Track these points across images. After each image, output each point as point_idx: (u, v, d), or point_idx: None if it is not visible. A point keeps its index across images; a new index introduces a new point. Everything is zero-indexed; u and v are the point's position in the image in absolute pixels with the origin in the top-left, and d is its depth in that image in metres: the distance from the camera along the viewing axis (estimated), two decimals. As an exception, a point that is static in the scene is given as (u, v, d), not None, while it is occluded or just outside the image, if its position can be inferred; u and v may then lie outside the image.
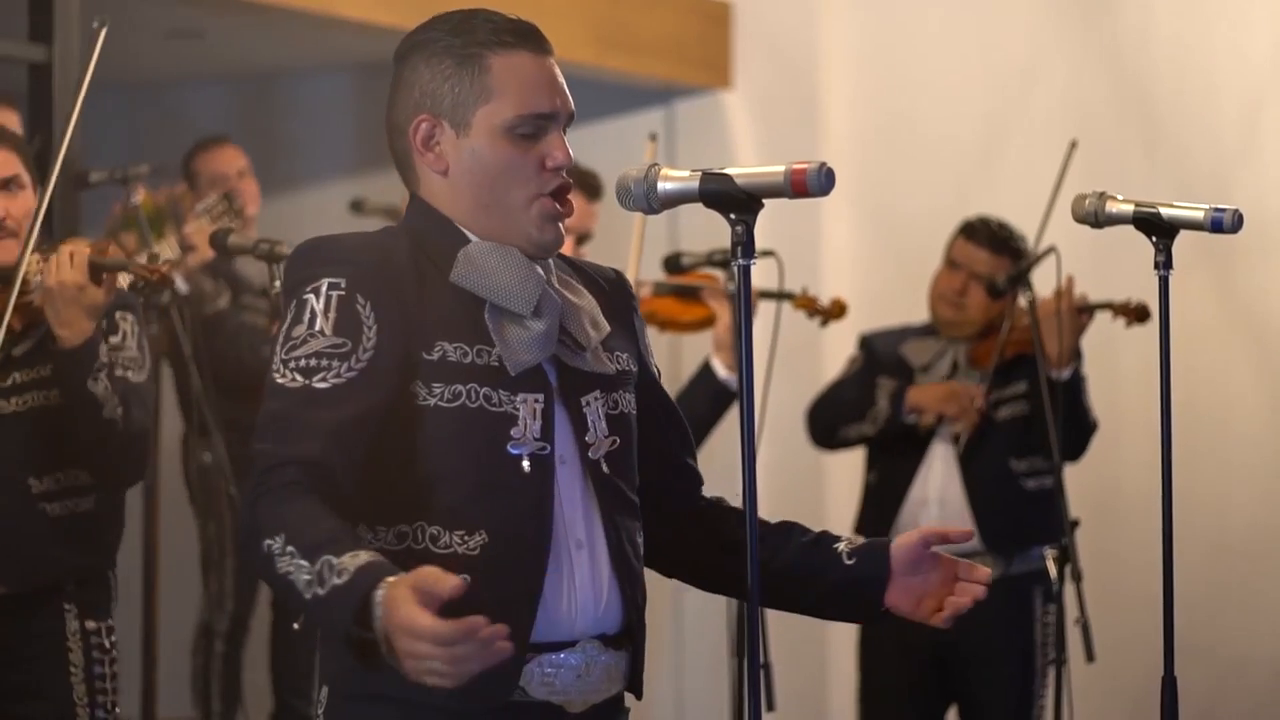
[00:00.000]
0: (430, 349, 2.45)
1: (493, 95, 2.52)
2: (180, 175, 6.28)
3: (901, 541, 2.62)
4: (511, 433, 2.47)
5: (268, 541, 2.31)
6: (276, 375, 2.42)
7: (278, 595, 2.40)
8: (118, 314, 3.82)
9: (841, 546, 2.65)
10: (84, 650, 3.80)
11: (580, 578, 2.50)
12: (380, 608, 2.22)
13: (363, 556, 2.26)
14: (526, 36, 2.55)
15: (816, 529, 2.69)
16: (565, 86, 2.57)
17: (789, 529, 2.70)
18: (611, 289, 2.68)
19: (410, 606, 2.19)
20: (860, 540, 2.67)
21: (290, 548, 2.30)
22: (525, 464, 2.47)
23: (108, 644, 3.82)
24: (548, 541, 2.47)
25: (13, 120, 5.02)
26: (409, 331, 2.45)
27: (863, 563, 2.62)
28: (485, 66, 2.52)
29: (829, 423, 5.28)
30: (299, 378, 2.41)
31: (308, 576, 2.27)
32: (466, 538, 2.44)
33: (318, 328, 2.43)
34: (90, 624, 3.81)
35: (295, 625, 3.72)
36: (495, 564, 2.44)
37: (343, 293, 2.45)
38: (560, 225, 2.56)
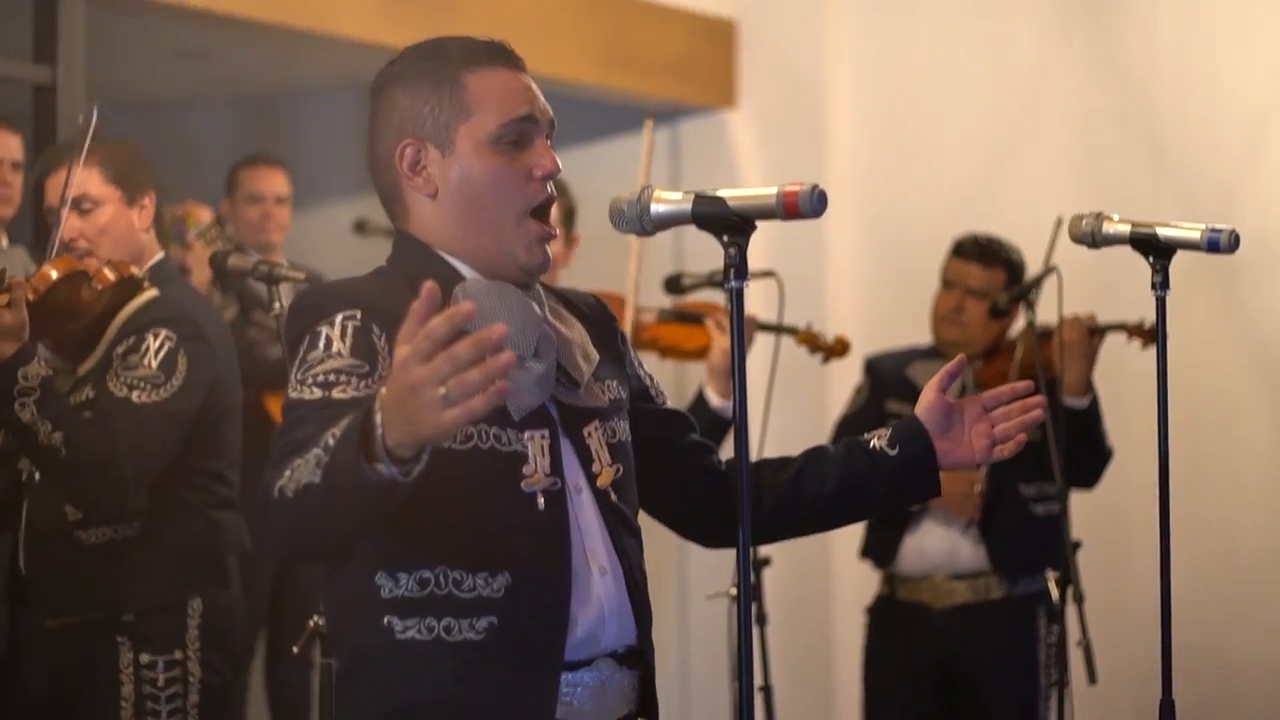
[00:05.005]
0: None
1: (472, 111, 2.53)
2: (223, 182, 6.29)
3: (924, 405, 2.68)
4: (523, 470, 2.47)
5: (279, 484, 2.23)
6: (293, 393, 2.38)
7: (310, 517, 2.22)
8: (151, 329, 3.75)
9: (876, 443, 2.71)
10: (135, 684, 3.75)
11: (608, 603, 2.51)
12: (377, 405, 2.12)
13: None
14: (499, 54, 2.57)
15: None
16: (542, 97, 2.59)
17: (815, 454, 2.75)
18: (594, 314, 2.71)
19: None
20: (886, 431, 2.72)
21: (294, 468, 2.23)
22: (540, 501, 2.47)
23: (163, 679, 3.76)
24: (569, 575, 2.47)
25: (15, 144, 5.01)
26: None
27: (905, 445, 2.69)
28: (462, 85, 2.53)
29: None
30: (318, 391, 2.37)
31: (315, 459, 2.20)
32: (490, 580, 2.44)
33: (335, 349, 2.41)
34: (145, 657, 3.76)
35: (294, 649, 3.69)
36: (520, 603, 2.44)
37: (358, 323, 2.43)
38: (547, 248, 2.57)
